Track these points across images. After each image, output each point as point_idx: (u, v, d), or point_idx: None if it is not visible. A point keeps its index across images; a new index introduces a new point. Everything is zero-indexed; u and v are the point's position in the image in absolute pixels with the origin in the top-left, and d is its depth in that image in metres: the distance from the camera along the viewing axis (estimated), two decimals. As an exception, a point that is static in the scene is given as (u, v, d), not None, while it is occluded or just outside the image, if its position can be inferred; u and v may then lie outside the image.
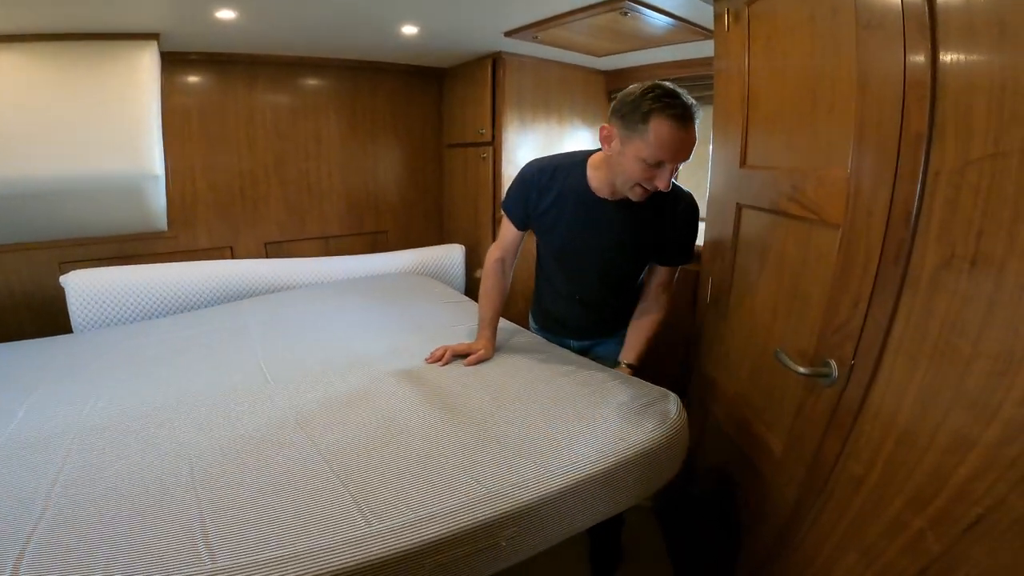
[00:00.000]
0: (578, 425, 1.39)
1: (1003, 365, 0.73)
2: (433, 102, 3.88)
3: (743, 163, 1.64)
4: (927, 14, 0.86)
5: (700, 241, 1.81)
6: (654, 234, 1.67)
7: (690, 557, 1.96)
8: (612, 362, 1.79)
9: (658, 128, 1.36)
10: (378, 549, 0.99)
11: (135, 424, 1.40)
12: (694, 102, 1.39)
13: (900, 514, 0.92)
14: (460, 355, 1.78)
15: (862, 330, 1.03)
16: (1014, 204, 0.72)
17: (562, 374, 1.67)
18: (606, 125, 1.49)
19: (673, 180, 1.50)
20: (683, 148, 1.39)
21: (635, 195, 1.51)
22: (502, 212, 1.85)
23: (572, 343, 1.96)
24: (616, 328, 1.90)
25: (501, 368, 1.72)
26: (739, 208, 1.65)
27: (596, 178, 1.63)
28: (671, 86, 1.39)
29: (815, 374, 1.14)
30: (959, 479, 0.80)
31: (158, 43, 2.57)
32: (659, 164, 1.42)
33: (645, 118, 1.37)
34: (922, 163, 0.88)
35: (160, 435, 1.35)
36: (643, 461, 1.33)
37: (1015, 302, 0.71)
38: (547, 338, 2.01)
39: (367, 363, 1.77)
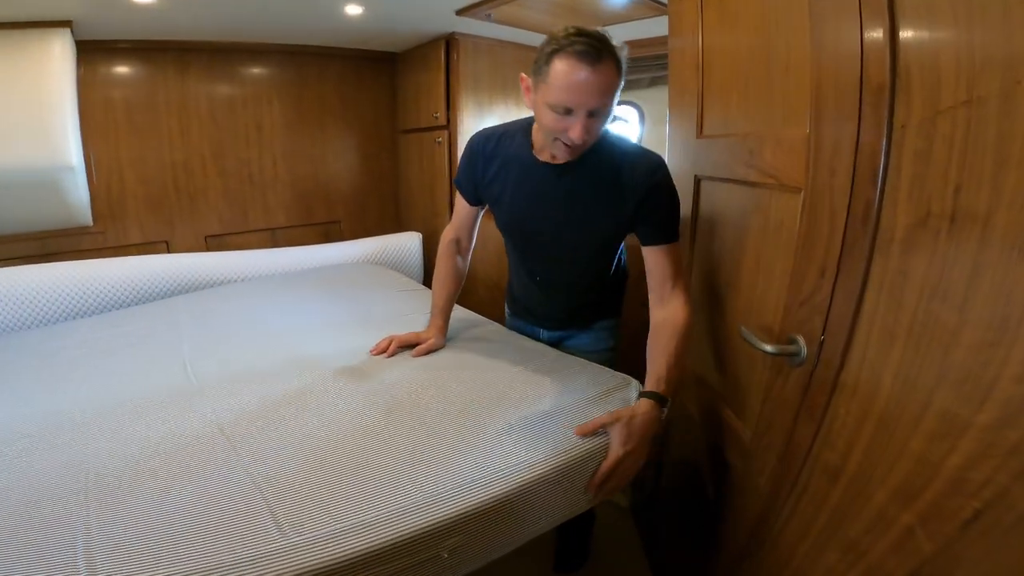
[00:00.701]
0: (530, 420, 1.27)
1: (995, 335, 0.62)
2: (386, 87, 3.78)
3: (700, 133, 1.56)
4: None
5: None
6: (609, 204, 1.42)
7: (666, 554, 1.88)
8: (588, 356, 1.63)
9: (559, 67, 1.19)
10: (293, 563, 0.87)
11: (39, 430, 1.26)
12: (611, 41, 1.20)
13: (884, 509, 0.81)
14: (408, 345, 1.65)
15: (831, 302, 0.93)
16: (996, 152, 0.62)
17: (517, 363, 1.55)
18: (524, 75, 1.33)
19: (639, 143, 1.36)
20: (589, 90, 1.19)
21: (559, 153, 1.35)
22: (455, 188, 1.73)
23: (542, 334, 1.81)
24: (592, 320, 1.73)
25: (451, 361, 1.60)
26: (697, 181, 1.57)
27: (538, 140, 1.45)
28: (585, 28, 1.21)
29: (782, 352, 1.03)
30: (951, 469, 0.68)
31: (72, 31, 2.46)
32: (568, 111, 1.22)
33: (548, 59, 1.20)
34: (886, 116, 0.79)
35: (64, 442, 1.21)
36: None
37: (1005, 262, 0.61)
38: (519, 328, 1.87)
39: (306, 361, 1.62)
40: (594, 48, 1.16)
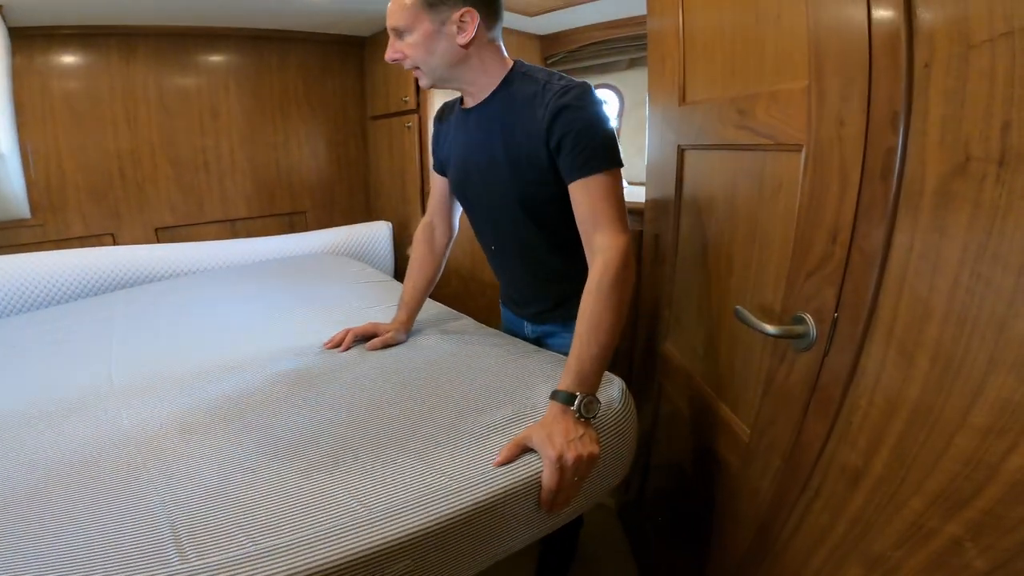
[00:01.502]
0: (496, 426, 1.12)
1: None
2: (354, 73, 3.64)
3: (682, 100, 1.44)
4: None
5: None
6: (522, 137, 1.27)
7: (656, 558, 1.76)
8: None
9: None
10: None
11: None
12: None
13: (921, 518, 0.66)
14: (365, 337, 1.53)
15: (845, 271, 0.79)
16: None
17: (486, 357, 1.42)
18: None
19: (556, 74, 1.28)
20: (389, 12, 1.28)
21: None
22: None
23: (527, 329, 1.65)
24: (569, 313, 1.32)
25: (412, 359, 1.45)
26: (681, 151, 1.45)
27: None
28: None
29: (786, 334, 0.89)
30: (1012, 471, 0.55)
31: (2, 15, 2.29)
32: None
33: None
34: (904, 57, 0.66)
35: None
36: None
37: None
38: (508, 319, 1.73)
39: (250, 362, 1.45)
40: None
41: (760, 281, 1.08)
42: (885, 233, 0.70)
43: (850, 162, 0.76)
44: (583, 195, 1.19)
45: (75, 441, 1.10)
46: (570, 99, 1.18)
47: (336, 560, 0.81)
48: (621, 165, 1.21)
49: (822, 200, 0.83)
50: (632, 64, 3.75)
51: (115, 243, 2.90)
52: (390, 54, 1.32)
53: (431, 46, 1.27)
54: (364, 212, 3.85)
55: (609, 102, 4.09)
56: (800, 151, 0.90)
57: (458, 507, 0.93)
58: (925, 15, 0.63)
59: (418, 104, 3.15)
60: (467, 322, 1.73)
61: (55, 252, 2.42)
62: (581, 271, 1.22)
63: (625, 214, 1.20)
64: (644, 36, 1.72)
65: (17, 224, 2.59)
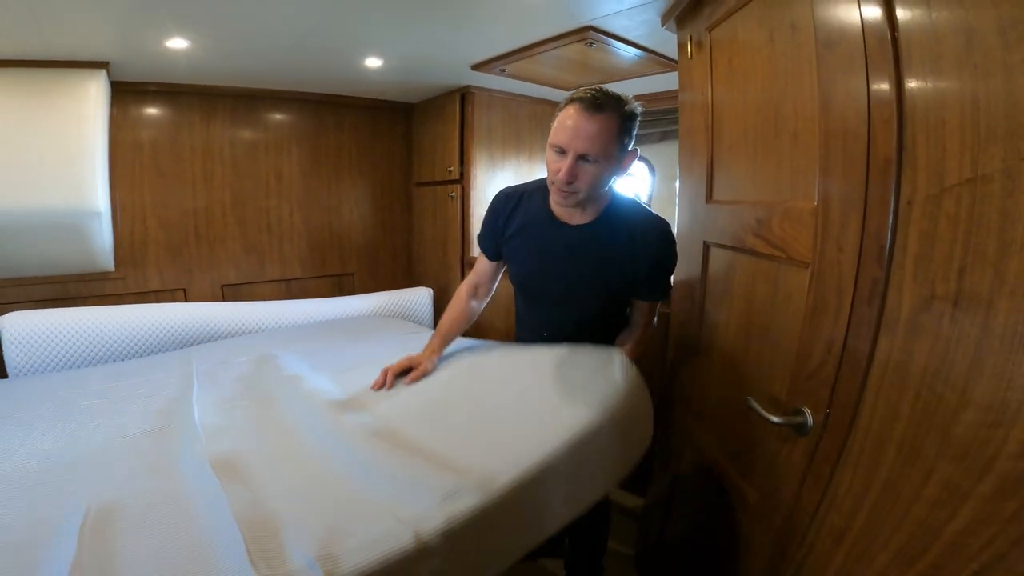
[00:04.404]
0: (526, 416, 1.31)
1: (996, 416, 0.68)
2: (401, 138, 3.81)
3: (709, 198, 1.60)
4: (888, 28, 0.84)
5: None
6: (622, 263, 1.52)
7: None
8: None
9: (562, 112, 1.35)
10: None
11: (35, 478, 1.30)
12: (622, 98, 1.34)
13: (886, 570, 0.85)
14: (403, 372, 1.62)
15: (836, 376, 0.98)
16: (999, 236, 0.67)
17: (509, 360, 1.63)
18: None
19: (645, 205, 1.45)
20: (579, 134, 1.31)
21: (557, 198, 1.45)
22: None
23: None
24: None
25: (438, 381, 1.61)
26: (706, 247, 1.61)
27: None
28: (604, 87, 1.35)
29: (789, 424, 1.09)
30: (951, 533, 0.74)
31: (107, 72, 2.49)
32: (561, 151, 1.35)
33: (560, 108, 1.37)
34: (893, 192, 0.84)
35: (55, 490, 1.25)
36: (610, 431, 1.25)
37: (1007, 348, 0.66)
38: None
39: (324, 409, 1.57)
40: (595, 99, 1.30)
41: (771, 374, 1.26)
42: (868, 349, 0.90)
43: (845, 285, 0.96)
44: (650, 308, 1.67)
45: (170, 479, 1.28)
46: (672, 251, 1.55)
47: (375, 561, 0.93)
48: None
49: (822, 315, 1.03)
50: (664, 137, 3.76)
51: (186, 298, 3.09)
52: (569, 178, 1.34)
53: (607, 177, 1.40)
54: (406, 276, 3.97)
55: (640, 175, 4.17)
56: (807, 268, 1.08)
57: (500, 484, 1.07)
58: (915, 146, 0.79)
59: (461, 175, 3.28)
60: (494, 343, 1.87)
61: (136, 307, 2.63)
62: (621, 324, 1.64)
63: None
64: (675, 110, 1.83)
65: (102, 276, 2.78)
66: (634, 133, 1.38)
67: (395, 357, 1.67)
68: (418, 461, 1.17)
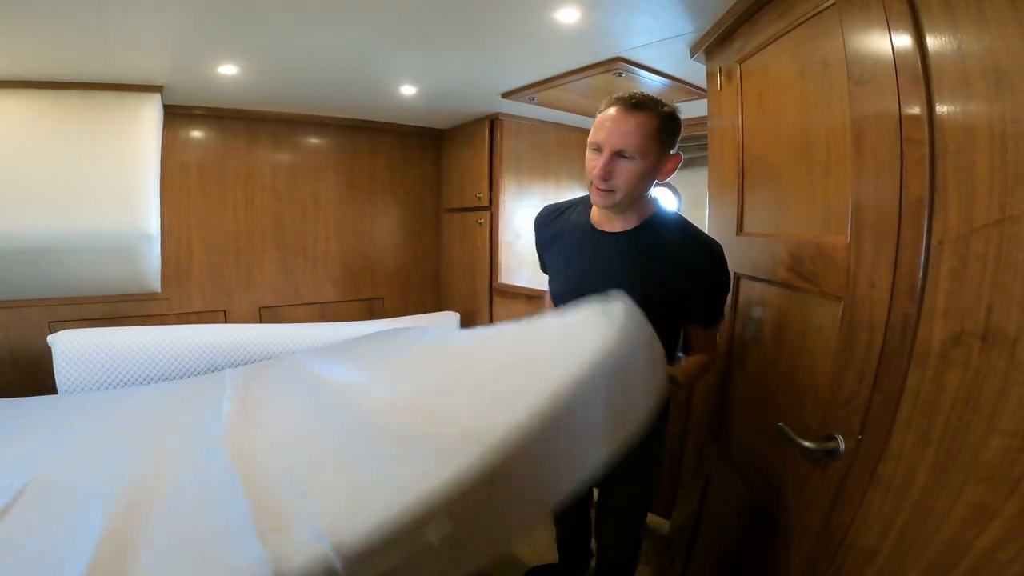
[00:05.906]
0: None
1: (1021, 441, 0.74)
2: (432, 164, 3.89)
3: (740, 230, 1.63)
4: (920, 65, 0.88)
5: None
6: (662, 275, 1.40)
7: None
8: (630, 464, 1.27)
9: (601, 115, 1.36)
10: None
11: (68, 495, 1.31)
12: (656, 98, 1.34)
13: (918, 586, 0.91)
14: None
15: (868, 405, 1.03)
16: None
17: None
18: None
19: (696, 227, 1.42)
20: (616, 131, 1.31)
21: (595, 198, 1.41)
22: None
23: None
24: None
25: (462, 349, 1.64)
26: (737, 278, 1.64)
27: (597, 210, 1.52)
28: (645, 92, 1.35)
29: (820, 449, 1.13)
30: (980, 549, 0.79)
31: (161, 96, 2.57)
32: (598, 148, 1.35)
33: (600, 110, 1.38)
34: (924, 231, 0.89)
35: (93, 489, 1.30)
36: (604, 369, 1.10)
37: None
38: None
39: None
40: (633, 98, 1.32)
41: (802, 401, 1.30)
42: (900, 383, 0.95)
43: (877, 320, 1.00)
44: (711, 334, 1.54)
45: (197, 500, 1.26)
46: (716, 262, 1.41)
47: None
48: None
49: (853, 348, 1.08)
50: (689, 163, 3.86)
51: (226, 319, 3.18)
52: (601, 173, 1.32)
53: (645, 178, 1.36)
54: (435, 300, 4.05)
55: (666, 201, 4.15)
56: (840, 302, 1.13)
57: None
58: (947, 187, 0.83)
59: (490, 201, 3.31)
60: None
61: (181, 327, 2.69)
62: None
63: None
64: (700, 136, 1.85)
65: (148, 297, 2.87)
66: (676, 137, 1.37)
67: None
68: (417, 423, 1.17)
